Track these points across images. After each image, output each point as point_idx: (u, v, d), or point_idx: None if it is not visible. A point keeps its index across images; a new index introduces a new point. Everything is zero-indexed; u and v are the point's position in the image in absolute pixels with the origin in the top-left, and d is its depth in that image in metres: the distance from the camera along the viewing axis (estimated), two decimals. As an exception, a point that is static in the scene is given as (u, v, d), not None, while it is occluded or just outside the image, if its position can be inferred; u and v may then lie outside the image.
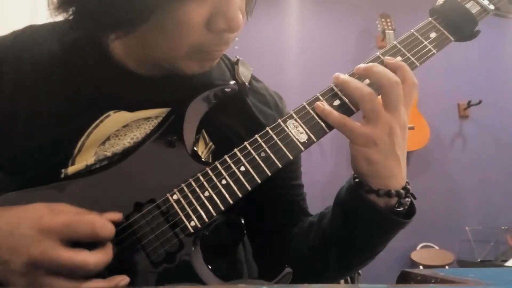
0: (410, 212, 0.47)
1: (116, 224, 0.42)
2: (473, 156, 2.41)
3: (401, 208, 0.45)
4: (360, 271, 1.99)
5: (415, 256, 2.22)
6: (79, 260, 0.37)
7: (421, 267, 2.15)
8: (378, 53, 0.50)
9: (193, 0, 0.40)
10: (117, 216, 0.42)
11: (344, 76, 0.47)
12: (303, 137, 0.46)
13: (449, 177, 2.38)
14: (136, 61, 0.50)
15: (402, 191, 0.44)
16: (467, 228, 2.21)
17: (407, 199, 0.45)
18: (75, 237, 0.38)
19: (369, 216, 0.45)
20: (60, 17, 0.42)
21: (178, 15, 0.40)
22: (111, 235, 0.39)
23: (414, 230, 2.30)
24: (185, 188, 0.45)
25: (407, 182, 0.46)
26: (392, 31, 2.29)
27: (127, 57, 0.50)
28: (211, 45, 0.45)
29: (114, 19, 0.40)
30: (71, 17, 0.42)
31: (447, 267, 2.09)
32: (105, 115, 0.49)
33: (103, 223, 0.39)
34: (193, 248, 0.44)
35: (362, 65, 0.46)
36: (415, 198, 0.47)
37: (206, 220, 0.44)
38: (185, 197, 0.45)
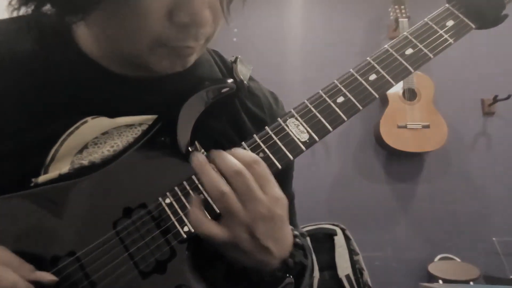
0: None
1: (98, 231, 0.42)
2: (500, 158, 2.24)
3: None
4: (371, 284, 1.88)
5: (433, 268, 2.08)
6: None
7: (440, 281, 2.02)
8: (386, 46, 0.49)
9: None
10: (48, 277, 0.41)
11: (201, 163, 0.43)
12: (305, 136, 0.46)
13: (472, 181, 2.25)
14: (109, 59, 0.48)
15: (277, 273, 0.45)
16: (494, 239, 2.08)
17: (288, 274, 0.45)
18: None
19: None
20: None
21: (134, 2, 0.38)
22: None
23: (431, 239, 2.16)
24: (178, 191, 0.44)
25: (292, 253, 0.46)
26: (406, 20, 2.14)
27: (96, 51, 0.48)
28: (176, 40, 0.42)
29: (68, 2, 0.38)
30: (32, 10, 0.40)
31: (471, 283, 1.94)
32: (81, 121, 0.47)
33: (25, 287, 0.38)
34: (185, 256, 0.43)
35: (196, 163, 0.43)
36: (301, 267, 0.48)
37: None
38: (178, 200, 0.44)
